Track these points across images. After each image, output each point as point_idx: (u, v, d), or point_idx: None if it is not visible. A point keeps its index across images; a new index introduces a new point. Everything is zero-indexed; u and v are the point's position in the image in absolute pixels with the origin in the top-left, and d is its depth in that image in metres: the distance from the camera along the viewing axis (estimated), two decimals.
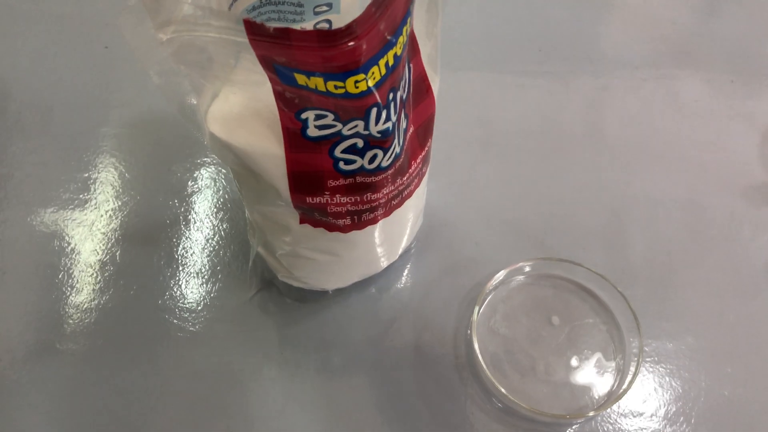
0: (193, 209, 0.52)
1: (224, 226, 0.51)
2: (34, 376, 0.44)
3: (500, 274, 0.48)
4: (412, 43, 0.35)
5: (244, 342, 0.46)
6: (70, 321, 0.47)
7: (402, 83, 0.32)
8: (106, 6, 0.66)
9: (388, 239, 0.44)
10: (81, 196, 0.53)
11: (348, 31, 0.26)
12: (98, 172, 0.54)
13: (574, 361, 0.45)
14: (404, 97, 0.34)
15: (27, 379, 0.44)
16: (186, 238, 0.51)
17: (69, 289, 0.48)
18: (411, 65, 0.34)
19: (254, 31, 0.26)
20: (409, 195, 0.40)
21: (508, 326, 0.47)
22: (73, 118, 0.58)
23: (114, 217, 0.52)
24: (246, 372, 0.45)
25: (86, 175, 0.54)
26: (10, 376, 0.44)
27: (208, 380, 0.44)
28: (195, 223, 0.52)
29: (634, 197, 0.54)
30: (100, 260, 0.50)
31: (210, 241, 0.51)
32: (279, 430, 0.43)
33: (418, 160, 0.39)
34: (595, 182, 0.55)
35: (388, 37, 0.29)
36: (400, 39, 0.30)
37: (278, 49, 0.27)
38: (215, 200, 0.53)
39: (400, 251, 0.47)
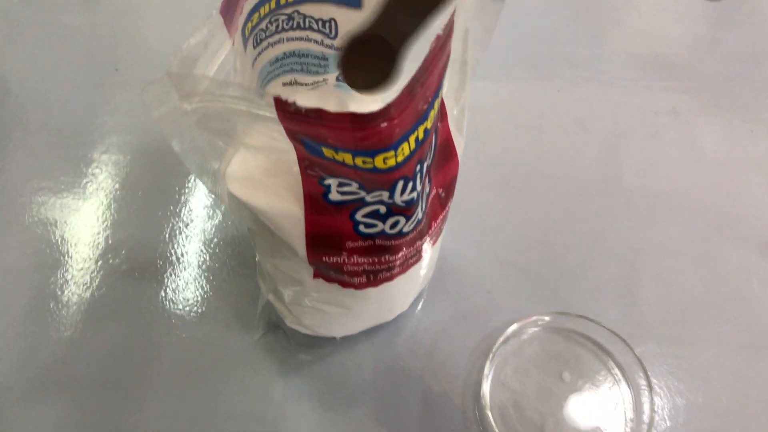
0: (200, 244, 0.51)
1: (233, 262, 0.50)
2: (34, 416, 0.43)
3: (512, 327, 0.47)
4: (441, 108, 0.34)
5: (248, 385, 0.45)
6: (71, 359, 0.46)
7: (430, 152, 0.32)
8: (119, 25, 0.65)
9: (401, 292, 0.43)
10: (85, 225, 0.52)
11: (383, 114, 0.25)
12: (102, 202, 0.53)
13: (583, 420, 0.45)
14: (429, 163, 0.33)
15: (26, 418, 0.43)
16: (192, 274, 0.50)
17: (70, 325, 0.47)
18: (438, 129, 0.34)
19: (284, 108, 0.25)
20: (427, 252, 0.39)
21: (518, 380, 0.46)
22: (80, 141, 0.56)
23: (118, 250, 0.51)
24: (249, 416, 0.44)
25: (90, 203, 0.53)
26: (8, 416, 0.43)
27: (209, 423, 0.43)
28: (202, 259, 0.50)
29: (650, 248, 0.53)
30: (103, 294, 0.48)
31: (217, 277, 0.50)
32: None
33: (438, 221, 0.38)
34: (610, 230, 0.54)
35: (421, 114, 0.28)
36: (431, 113, 0.29)
37: (308, 126, 0.26)
38: (224, 235, 0.52)
39: (411, 300, 0.46)
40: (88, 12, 0.66)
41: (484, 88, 0.63)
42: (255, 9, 0.32)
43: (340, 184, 0.31)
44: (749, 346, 0.48)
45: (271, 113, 0.26)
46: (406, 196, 0.31)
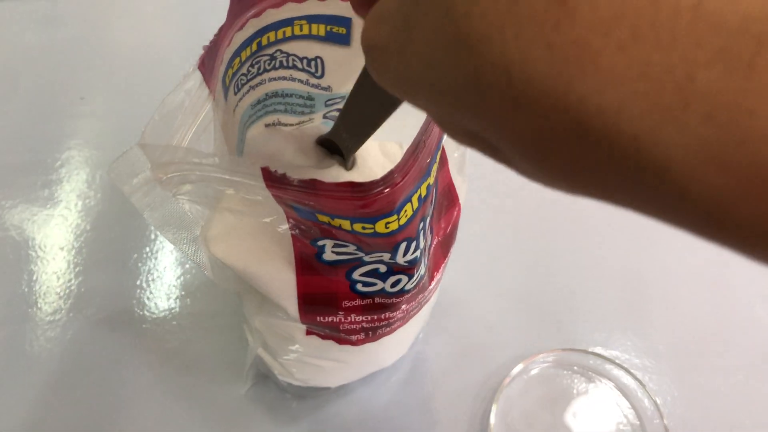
0: (180, 288, 0.48)
1: (216, 308, 0.47)
2: None
3: (517, 368, 0.44)
4: (441, 155, 0.31)
5: None
6: (45, 421, 0.42)
7: (431, 207, 0.29)
8: (84, 47, 0.60)
9: (401, 341, 0.40)
10: (54, 273, 0.48)
11: (386, 180, 0.22)
12: (72, 246, 0.49)
13: None
14: (431, 215, 0.30)
15: None
16: (172, 322, 0.46)
17: (42, 383, 0.43)
18: (438, 177, 0.31)
19: (273, 179, 0.22)
20: (428, 301, 0.37)
21: (526, 423, 0.44)
22: (45, 179, 0.52)
23: (92, 299, 0.47)
24: None
25: (59, 249, 0.49)
26: None
27: None
28: (183, 304, 0.47)
29: (655, 271, 0.50)
30: (77, 349, 0.45)
31: (200, 325, 0.46)
32: None
33: (441, 269, 0.35)
34: (613, 255, 0.51)
35: (424, 171, 0.25)
36: (434, 167, 0.26)
37: (301, 196, 0.23)
38: (206, 278, 0.48)
39: (410, 344, 0.43)
40: (51, 32, 0.62)
41: None
42: (236, 54, 0.29)
43: (336, 245, 0.28)
44: (760, 373, 0.46)
45: (255, 180, 0.23)
46: (409, 257, 0.28)
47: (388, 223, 0.25)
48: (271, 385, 0.44)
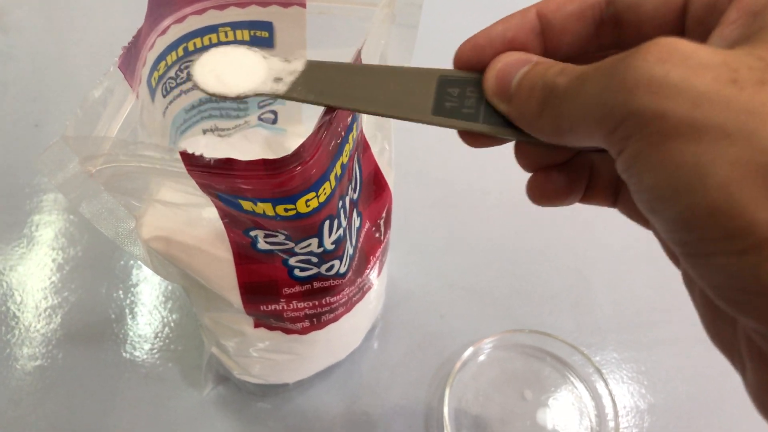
0: (139, 300, 0.49)
1: (174, 316, 0.48)
2: None
3: (468, 352, 0.46)
4: (362, 140, 0.33)
5: None
6: None
7: (350, 186, 0.30)
8: (34, 79, 0.62)
9: (350, 330, 0.41)
10: (13, 293, 0.49)
11: (296, 156, 0.24)
12: (32, 266, 0.50)
13: None
14: (355, 197, 0.32)
15: None
16: (133, 334, 0.47)
17: (10, 402, 0.44)
18: (361, 163, 0.32)
19: (192, 162, 0.24)
20: (371, 287, 0.38)
21: (480, 405, 0.45)
22: (2, 205, 0.54)
23: (53, 315, 0.48)
24: None
25: (18, 269, 0.50)
26: None
27: None
28: (142, 315, 0.48)
29: (597, 252, 0.53)
30: (39, 365, 0.46)
31: (159, 335, 0.47)
32: None
33: (378, 254, 0.36)
34: (557, 240, 0.53)
35: (335, 150, 0.27)
36: (346, 147, 0.28)
37: (221, 179, 0.24)
38: (162, 288, 0.50)
39: (362, 336, 0.45)
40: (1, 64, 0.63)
41: None
42: (161, 58, 0.30)
43: (267, 236, 0.29)
44: (701, 342, 0.48)
45: (183, 168, 0.24)
46: (334, 236, 0.30)
47: (308, 200, 0.26)
48: (231, 387, 0.45)
